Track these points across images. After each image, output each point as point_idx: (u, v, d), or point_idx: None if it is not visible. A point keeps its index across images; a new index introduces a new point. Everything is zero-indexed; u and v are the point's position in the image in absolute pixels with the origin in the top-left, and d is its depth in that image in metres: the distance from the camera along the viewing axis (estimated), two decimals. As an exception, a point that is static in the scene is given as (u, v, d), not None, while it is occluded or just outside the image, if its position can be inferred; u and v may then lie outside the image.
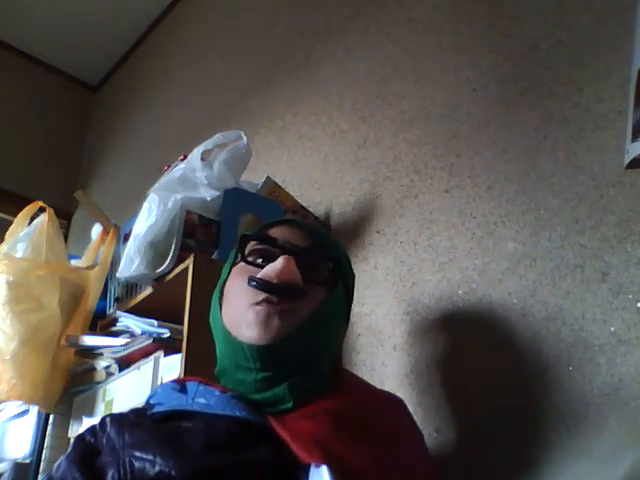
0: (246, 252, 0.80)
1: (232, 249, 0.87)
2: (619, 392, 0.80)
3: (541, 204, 0.99)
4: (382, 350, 1.13)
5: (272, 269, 0.74)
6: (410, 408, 0.87)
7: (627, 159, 0.86)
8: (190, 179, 1.22)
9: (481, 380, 0.96)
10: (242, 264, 0.80)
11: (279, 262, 0.74)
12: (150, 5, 2.65)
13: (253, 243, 0.80)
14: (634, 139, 0.85)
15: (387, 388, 0.94)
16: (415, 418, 0.86)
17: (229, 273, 0.82)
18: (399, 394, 0.88)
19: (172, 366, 1.04)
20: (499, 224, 1.03)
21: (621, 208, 0.88)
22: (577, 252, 0.91)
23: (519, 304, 0.95)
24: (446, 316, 1.05)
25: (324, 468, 0.61)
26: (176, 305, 1.12)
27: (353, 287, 0.88)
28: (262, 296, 0.74)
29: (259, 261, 0.79)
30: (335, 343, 0.86)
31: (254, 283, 0.75)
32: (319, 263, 0.80)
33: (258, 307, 0.74)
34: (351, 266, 0.89)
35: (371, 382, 0.89)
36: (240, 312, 0.75)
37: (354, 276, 0.90)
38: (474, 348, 0.99)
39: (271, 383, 0.73)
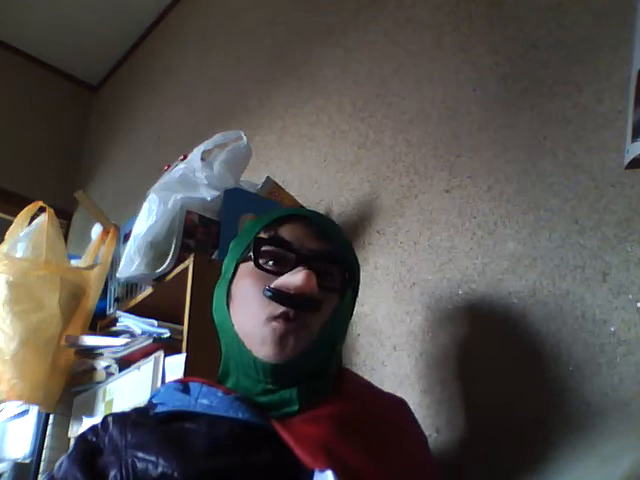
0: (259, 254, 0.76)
1: (233, 242, 0.84)
2: (619, 392, 0.80)
3: (541, 204, 0.99)
4: (382, 350, 1.13)
5: (291, 283, 0.71)
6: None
7: (627, 159, 0.86)
8: (190, 179, 1.22)
9: (481, 380, 0.96)
10: (252, 265, 0.76)
11: (299, 278, 0.70)
12: (150, 5, 2.65)
13: (264, 245, 0.77)
14: (634, 139, 0.85)
15: (387, 388, 0.94)
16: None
17: (235, 270, 0.79)
18: (399, 394, 0.88)
19: (175, 366, 1.04)
20: (499, 224, 1.03)
21: (621, 208, 0.88)
22: (577, 252, 0.91)
23: (519, 304, 0.95)
24: (446, 316, 1.05)
25: (329, 473, 0.61)
26: (176, 305, 1.12)
27: (359, 284, 0.87)
28: (279, 310, 0.71)
29: (271, 264, 0.75)
30: (341, 345, 0.86)
31: (270, 294, 0.72)
32: (334, 268, 0.77)
33: (275, 323, 0.71)
34: (359, 265, 0.86)
35: (371, 382, 0.89)
36: (255, 325, 0.73)
37: (360, 274, 0.87)
38: (474, 348, 0.99)
39: (279, 389, 0.72)
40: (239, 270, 0.79)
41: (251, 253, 0.76)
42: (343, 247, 0.81)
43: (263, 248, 0.76)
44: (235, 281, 0.78)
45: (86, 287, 1.33)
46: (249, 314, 0.74)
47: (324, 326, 0.74)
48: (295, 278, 0.71)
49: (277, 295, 0.71)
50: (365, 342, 1.17)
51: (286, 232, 0.77)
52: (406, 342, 1.09)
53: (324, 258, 0.76)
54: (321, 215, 0.86)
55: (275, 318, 0.71)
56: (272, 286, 0.72)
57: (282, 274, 0.73)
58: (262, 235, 0.78)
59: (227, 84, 2.06)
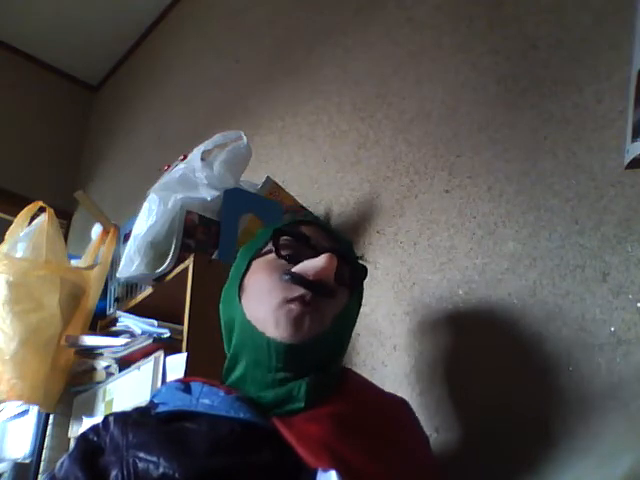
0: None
1: (243, 248, 0.85)
2: (619, 392, 0.80)
3: (541, 204, 0.99)
4: (382, 350, 1.13)
5: (312, 266, 0.73)
6: (410, 408, 0.87)
7: (627, 159, 0.86)
8: (190, 179, 1.22)
9: (481, 380, 0.96)
10: (268, 258, 0.78)
11: (321, 260, 0.73)
12: (150, 5, 2.66)
13: (283, 238, 0.79)
14: (634, 139, 0.85)
15: (387, 388, 0.94)
16: (415, 418, 0.86)
17: (248, 265, 0.80)
18: (399, 394, 0.88)
19: (176, 366, 1.03)
20: (499, 224, 1.03)
21: (621, 208, 0.88)
22: (577, 252, 0.91)
23: (519, 304, 0.95)
24: (446, 316, 1.05)
25: (333, 473, 0.61)
26: (176, 305, 1.12)
27: (362, 293, 0.88)
28: (296, 292, 0.72)
29: (288, 258, 0.77)
30: (347, 346, 0.87)
31: (288, 277, 0.73)
32: (345, 267, 0.79)
33: (291, 305, 0.72)
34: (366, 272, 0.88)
35: (372, 382, 0.89)
36: (271, 308, 0.73)
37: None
38: (474, 348, 0.99)
39: (288, 381, 0.72)
40: (252, 266, 0.80)
41: (269, 246, 0.78)
42: (352, 252, 0.84)
43: (282, 240, 0.78)
44: (248, 276, 0.80)
45: (86, 287, 1.33)
46: (263, 300, 0.75)
47: (336, 317, 0.76)
48: (318, 260, 0.73)
49: (296, 278, 0.73)
50: (365, 342, 1.17)
51: (303, 229, 0.80)
52: (406, 342, 1.09)
53: (338, 255, 0.77)
54: (329, 225, 0.88)
55: (291, 300, 0.72)
56: (292, 270, 0.74)
57: (298, 262, 0.75)
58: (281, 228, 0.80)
59: (227, 84, 2.06)
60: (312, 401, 0.71)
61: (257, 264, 0.79)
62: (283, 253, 0.77)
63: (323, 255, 0.73)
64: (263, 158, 1.65)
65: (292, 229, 0.80)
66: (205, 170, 1.20)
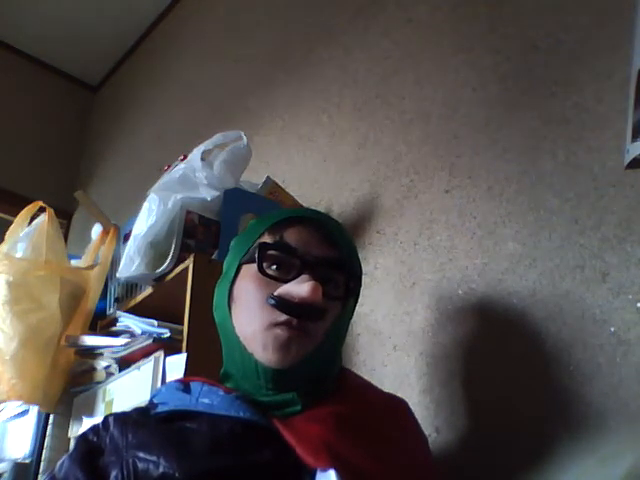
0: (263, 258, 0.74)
1: (235, 240, 0.83)
2: (619, 392, 0.80)
3: (541, 204, 0.99)
4: (382, 350, 1.13)
5: (297, 293, 0.70)
6: (410, 408, 0.87)
7: (627, 159, 0.86)
8: (190, 179, 1.22)
9: (481, 380, 0.96)
10: (256, 268, 0.74)
11: (306, 289, 0.69)
12: (150, 5, 2.66)
13: (268, 251, 0.75)
14: (634, 139, 0.85)
15: (387, 388, 0.95)
16: (415, 418, 0.86)
17: (238, 270, 0.78)
18: (399, 394, 0.88)
19: (175, 366, 1.03)
20: (499, 224, 1.03)
21: (621, 208, 0.88)
22: (577, 252, 0.91)
23: (519, 304, 0.95)
24: (446, 316, 1.05)
25: (332, 472, 0.61)
26: (176, 305, 1.12)
27: (360, 288, 0.86)
28: (282, 317, 0.70)
29: (274, 268, 0.74)
30: (342, 346, 0.85)
31: (273, 302, 0.71)
32: (338, 276, 0.76)
33: (277, 330, 0.71)
34: (362, 269, 0.85)
35: (371, 382, 0.89)
36: (257, 330, 0.72)
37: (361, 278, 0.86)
38: (474, 348, 0.99)
39: (281, 392, 0.72)
40: (242, 271, 0.77)
41: (255, 256, 0.75)
42: (349, 254, 0.80)
43: (267, 253, 0.75)
44: (237, 282, 0.77)
45: (86, 287, 1.33)
46: (251, 319, 0.73)
47: (327, 334, 0.74)
48: (301, 289, 0.70)
49: (281, 304, 0.70)
50: (365, 342, 1.17)
51: (291, 236, 0.76)
52: (406, 342, 1.09)
53: (329, 265, 0.75)
54: (328, 217, 0.83)
55: (278, 325, 0.71)
56: (276, 294, 0.71)
57: (286, 280, 0.72)
58: (266, 239, 0.76)
59: (227, 84, 2.06)
60: (309, 403, 0.71)
61: (245, 272, 0.77)
62: (265, 267, 0.74)
63: (307, 284, 0.69)
64: (263, 158, 1.65)
65: (277, 241, 0.75)
66: (205, 170, 1.20)
